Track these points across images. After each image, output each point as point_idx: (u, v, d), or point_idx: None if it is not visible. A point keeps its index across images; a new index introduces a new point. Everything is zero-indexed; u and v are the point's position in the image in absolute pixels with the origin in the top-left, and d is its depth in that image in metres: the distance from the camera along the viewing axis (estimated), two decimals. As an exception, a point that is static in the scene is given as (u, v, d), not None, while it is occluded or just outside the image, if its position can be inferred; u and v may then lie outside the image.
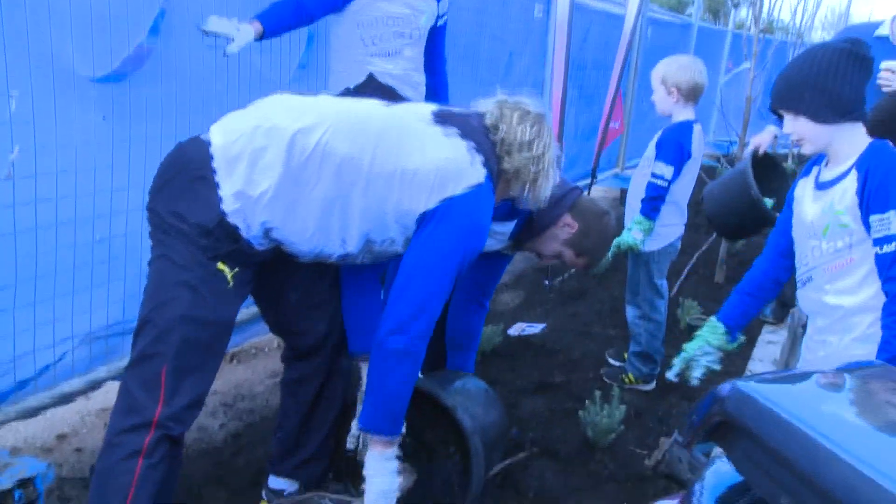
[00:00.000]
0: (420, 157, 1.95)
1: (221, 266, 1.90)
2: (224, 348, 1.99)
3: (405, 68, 3.34)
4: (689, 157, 3.18)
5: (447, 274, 1.96)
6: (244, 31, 2.74)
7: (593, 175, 5.78)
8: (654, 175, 3.16)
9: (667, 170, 3.13)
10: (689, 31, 8.66)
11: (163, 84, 2.76)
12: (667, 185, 3.14)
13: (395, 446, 2.03)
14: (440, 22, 3.46)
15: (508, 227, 2.54)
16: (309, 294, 2.21)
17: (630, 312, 3.44)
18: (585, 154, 6.64)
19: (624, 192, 7.13)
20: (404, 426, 2.06)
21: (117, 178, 2.63)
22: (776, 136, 4.06)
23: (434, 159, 1.95)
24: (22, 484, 1.95)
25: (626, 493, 2.68)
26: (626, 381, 3.44)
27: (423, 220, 1.96)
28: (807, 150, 2.11)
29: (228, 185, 1.89)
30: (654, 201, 3.16)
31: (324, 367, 2.27)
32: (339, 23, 3.23)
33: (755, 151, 3.85)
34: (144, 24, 2.66)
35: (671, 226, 3.28)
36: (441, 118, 2.06)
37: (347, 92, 3.16)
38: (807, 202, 2.17)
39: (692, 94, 3.22)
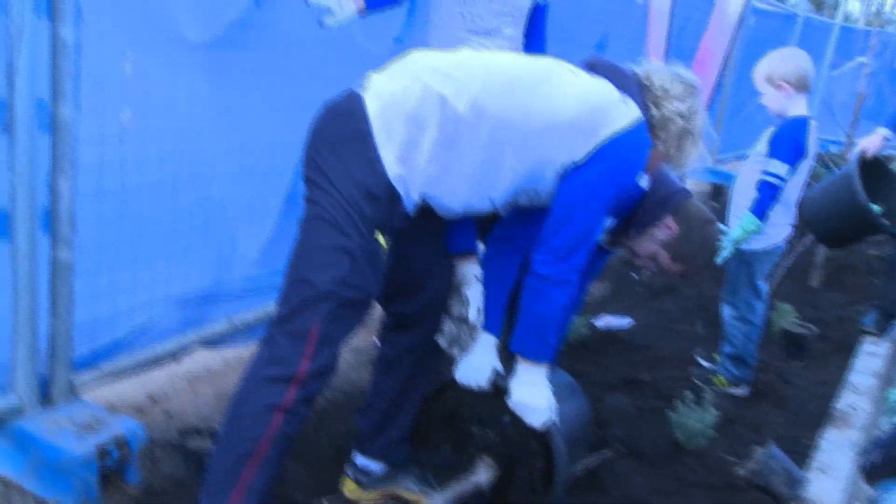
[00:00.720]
0: (571, 108, 1.93)
1: (379, 236, 1.91)
2: (367, 315, 2.01)
3: (503, 47, 3.24)
4: (804, 155, 3.01)
5: (601, 209, 2.02)
6: (346, 7, 2.69)
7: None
8: (768, 173, 2.98)
9: (782, 168, 2.96)
10: (794, 24, 8.28)
11: (266, 52, 2.74)
12: (781, 183, 2.98)
13: (544, 368, 2.10)
14: (542, 2, 3.36)
15: (607, 222, 2.45)
16: (429, 252, 2.19)
17: (726, 312, 3.30)
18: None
19: (715, 187, 6.92)
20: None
21: (217, 143, 2.63)
22: (886, 140, 3.81)
23: (586, 106, 1.94)
24: (118, 442, 1.96)
25: (715, 501, 2.57)
26: (717, 383, 3.31)
27: (578, 162, 1.96)
28: None
29: (389, 150, 1.87)
30: (768, 201, 2.99)
31: (422, 342, 2.24)
32: (440, -1, 3.16)
33: (862, 154, 3.65)
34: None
35: (779, 226, 3.13)
36: (590, 66, 2.06)
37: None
38: None
39: (803, 84, 3.06)
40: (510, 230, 2.21)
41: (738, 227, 3.03)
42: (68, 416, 2.02)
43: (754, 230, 3.01)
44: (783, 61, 3.07)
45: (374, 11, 2.86)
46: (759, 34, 7.34)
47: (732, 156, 7.29)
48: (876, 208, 3.54)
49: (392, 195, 1.89)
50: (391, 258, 2.18)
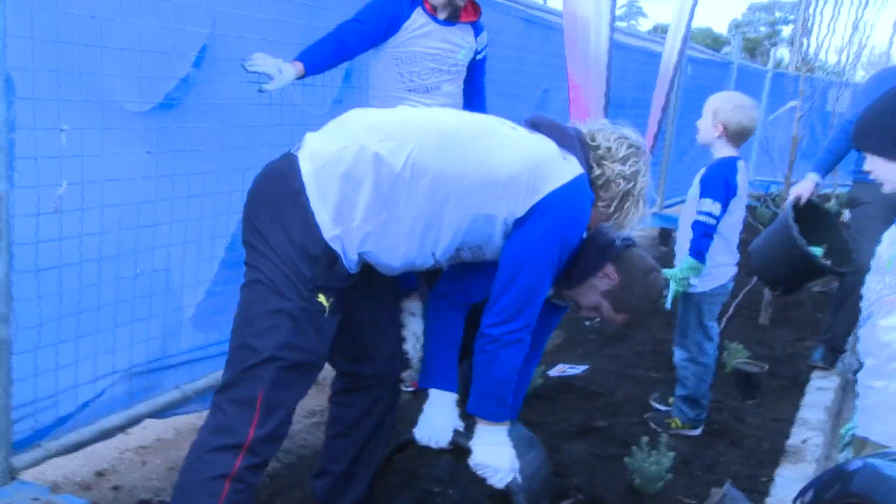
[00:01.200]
0: (511, 163, 1.94)
1: (320, 297, 1.89)
2: (316, 377, 2.00)
3: (443, 104, 3.30)
4: (735, 193, 3.10)
5: (548, 266, 2.00)
6: (285, 72, 2.71)
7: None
8: (700, 213, 3.06)
9: (714, 207, 3.04)
10: (729, 70, 8.60)
11: (205, 119, 2.76)
12: (714, 222, 3.05)
13: (504, 427, 2.09)
14: (479, 57, 3.44)
15: None
16: (381, 312, 2.19)
17: (678, 355, 3.34)
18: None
19: (663, 231, 7.06)
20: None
21: (160, 212, 2.62)
22: (817, 185, 3.95)
23: (525, 162, 1.95)
24: (60, 524, 1.90)
25: (676, 544, 2.57)
26: (672, 426, 3.33)
27: (520, 219, 1.97)
28: (885, 188, 2.04)
29: (324, 210, 1.87)
30: (703, 240, 3.06)
31: (378, 404, 2.22)
32: (377, 58, 3.22)
33: (796, 201, 3.77)
34: (189, 57, 2.67)
35: (723, 266, 3.18)
36: (532, 125, 2.07)
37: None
38: (886, 239, 2.08)
39: (737, 137, 3.13)
40: (449, 286, 2.19)
41: (677, 268, 3.09)
42: (8, 500, 1.95)
43: (695, 270, 3.07)
44: (734, 110, 3.11)
45: (313, 73, 2.90)
46: (697, 82, 7.59)
47: (678, 201, 7.46)
48: (817, 250, 3.62)
49: (330, 255, 1.88)
50: (341, 319, 2.14)
